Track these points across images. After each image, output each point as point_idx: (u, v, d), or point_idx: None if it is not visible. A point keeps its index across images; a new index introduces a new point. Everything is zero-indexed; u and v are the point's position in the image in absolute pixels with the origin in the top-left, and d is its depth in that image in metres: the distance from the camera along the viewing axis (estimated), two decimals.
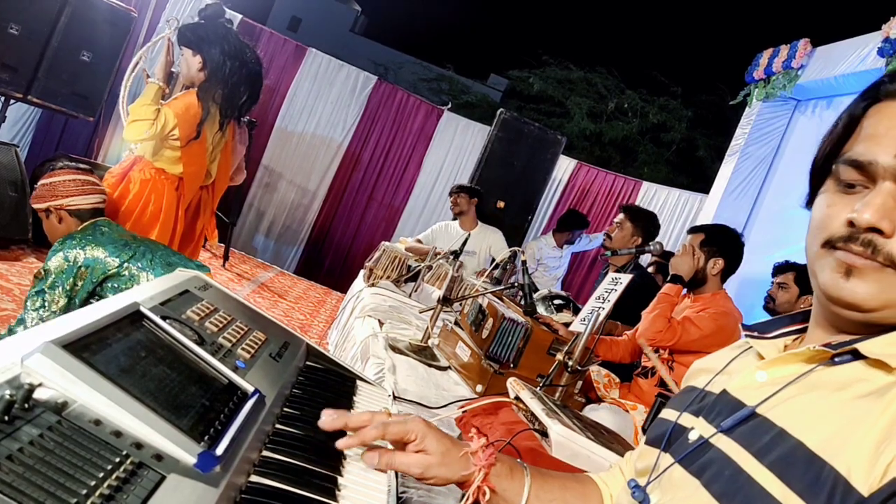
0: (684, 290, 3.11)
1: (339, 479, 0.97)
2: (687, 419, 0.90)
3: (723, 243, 2.99)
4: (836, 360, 0.76)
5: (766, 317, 3.30)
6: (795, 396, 0.77)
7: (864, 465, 0.65)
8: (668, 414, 0.97)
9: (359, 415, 1.00)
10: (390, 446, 1.00)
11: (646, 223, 4.02)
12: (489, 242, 5.62)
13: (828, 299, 0.78)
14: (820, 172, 0.85)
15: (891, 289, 0.73)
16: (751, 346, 0.92)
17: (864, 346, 0.73)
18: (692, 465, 0.82)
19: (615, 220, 4.08)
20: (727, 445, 0.79)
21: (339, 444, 0.97)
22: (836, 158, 0.81)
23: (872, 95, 0.80)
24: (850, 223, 0.75)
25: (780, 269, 3.94)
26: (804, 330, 0.89)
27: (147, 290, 1.13)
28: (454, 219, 5.81)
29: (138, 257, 2.53)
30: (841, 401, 0.72)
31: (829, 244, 0.77)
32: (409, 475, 0.98)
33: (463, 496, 0.98)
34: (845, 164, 0.79)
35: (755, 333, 0.91)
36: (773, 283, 3.97)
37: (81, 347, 0.78)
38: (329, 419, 0.98)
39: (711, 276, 2.98)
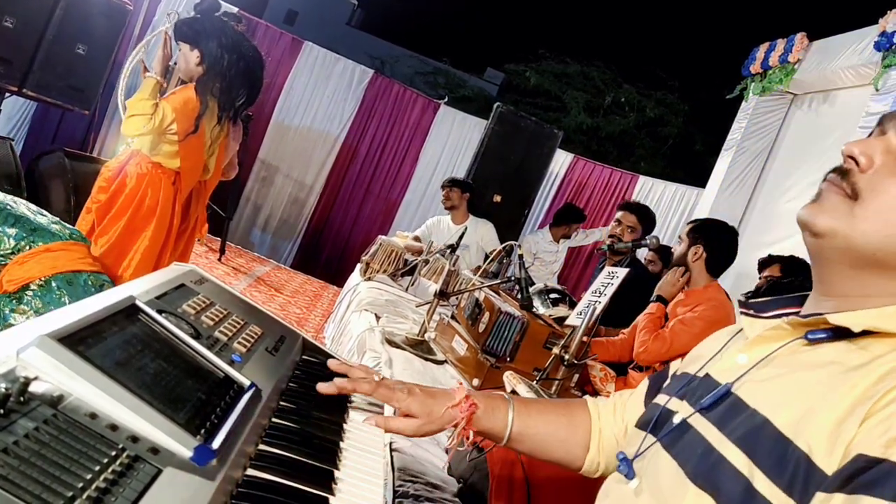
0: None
1: (336, 473, 0.97)
2: (674, 403, 0.93)
3: (708, 234, 3.00)
4: (810, 337, 0.78)
5: None
6: (769, 378, 0.79)
7: (825, 443, 0.67)
8: (660, 399, 0.99)
9: (359, 370, 1.17)
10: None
11: (643, 218, 4.02)
12: (480, 235, 5.62)
13: (797, 222, 0.83)
14: None
15: (842, 217, 0.77)
16: (742, 329, 0.94)
17: (833, 317, 0.76)
18: (673, 448, 0.85)
19: (626, 223, 4.03)
20: (702, 425, 0.82)
21: (335, 383, 1.11)
22: None
23: None
24: (843, 153, 0.81)
25: (764, 263, 3.93)
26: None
27: (143, 284, 1.13)
28: (446, 214, 5.80)
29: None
30: (810, 381, 0.74)
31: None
32: (405, 434, 1.12)
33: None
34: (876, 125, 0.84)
35: (751, 312, 0.93)
36: (760, 278, 3.95)
37: (77, 341, 0.78)
38: (333, 384, 1.11)
39: (692, 263, 2.98)
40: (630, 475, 0.91)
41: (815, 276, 0.85)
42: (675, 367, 1.07)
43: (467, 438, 1.11)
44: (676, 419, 0.88)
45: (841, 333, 0.76)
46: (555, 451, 1.15)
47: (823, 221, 0.78)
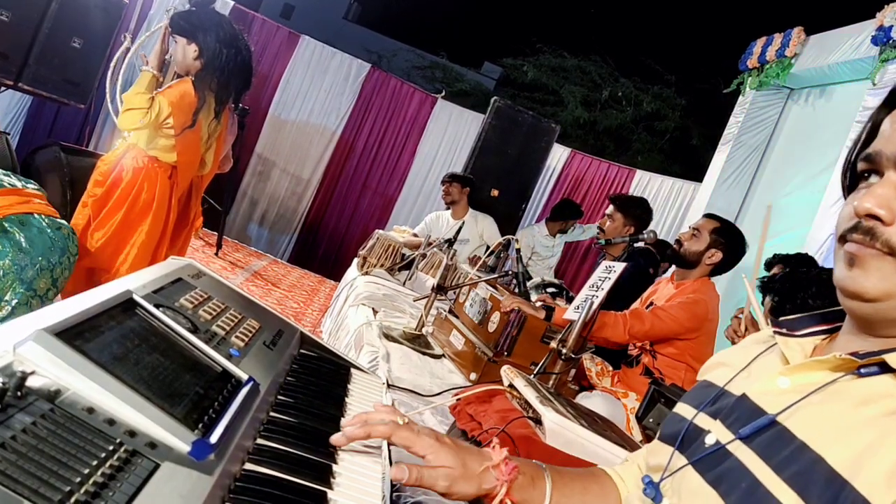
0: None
1: (334, 467, 0.97)
2: (703, 420, 0.88)
3: (731, 241, 2.97)
4: (863, 371, 0.74)
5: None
6: (818, 408, 0.75)
7: (884, 486, 0.64)
8: (682, 410, 0.95)
9: (378, 413, 0.99)
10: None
11: (637, 211, 4.00)
12: (481, 229, 5.62)
13: (840, 292, 0.79)
14: (848, 178, 0.86)
15: (892, 277, 0.73)
16: (776, 344, 0.90)
17: (892, 358, 0.72)
18: (709, 473, 0.81)
19: (606, 212, 4.05)
20: (745, 455, 0.77)
21: (345, 433, 0.97)
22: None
23: (890, 102, 0.81)
24: (856, 214, 0.76)
25: (770, 263, 3.91)
26: (835, 329, 0.87)
27: (140, 278, 1.13)
28: (447, 208, 5.80)
29: None
30: (866, 417, 0.71)
31: (842, 239, 0.78)
32: (434, 490, 0.94)
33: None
34: (860, 160, 0.81)
35: (783, 330, 0.89)
36: (771, 274, 3.92)
37: (74, 335, 0.78)
38: (349, 431, 0.98)
39: (704, 265, 2.97)
40: (658, 498, 0.87)
41: (857, 326, 0.81)
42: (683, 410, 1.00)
43: None
44: (710, 440, 0.84)
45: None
46: None
47: (875, 286, 0.74)
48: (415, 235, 5.43)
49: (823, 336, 0.88)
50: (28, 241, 2.45)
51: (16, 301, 2.41)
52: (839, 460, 0.68)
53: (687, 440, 0.88)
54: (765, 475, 0.73)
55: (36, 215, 2.54)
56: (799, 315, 0.92)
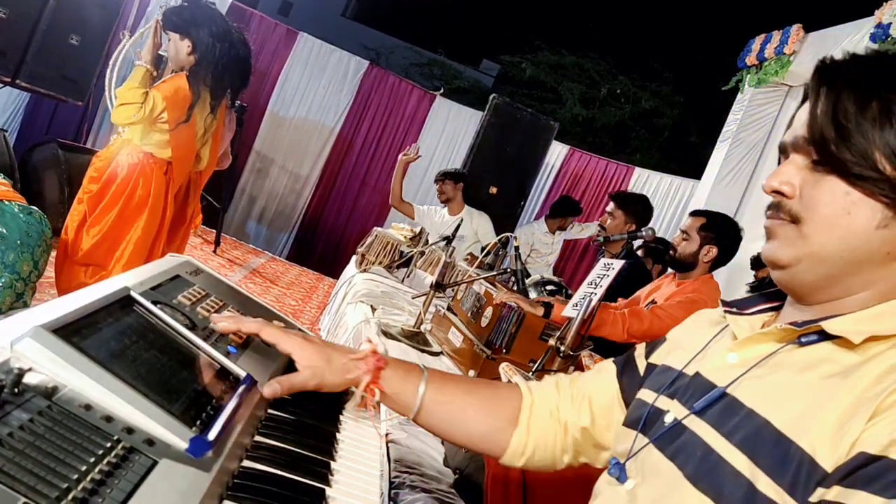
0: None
1: (332, 464, 0.97)
2: (663, 402, 0.93)
3: (721, 232, 2.95)
4: (803, 340, 0.80)
5: None
6: (764, 376, 0.81)
7: (828, 443, 0.68)
8: (645, 395, 0.99)
9: (251, 320, 1.07)
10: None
11: (637, 208, 3.99)
12: (476, 225, 5.60)
13: (768, 266, 0.86)
14: None
15: (797, 242, 0.81)
16: (728, 325, 0.95)
17: (828, 324, 0.77)
18: (668, 448, 0.85)
19: (606, 209, 4.04)
20: (699, 427, 0.82)
21: (218, 326, 1.05)
22: None
23: (803, 101, 0.89)
24: (764, 192, 0.86)
25: (756, 262, 3.88)
26: (781, 308, 0.92)
27: (138, 275, 1.12)
28: (442, 206, 5.79)
29: None
30: (807, 381, 0.76)
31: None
32: (306, 389, 1.01)
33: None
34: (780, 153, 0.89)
35: (734, 310, 0.95)
36: (755, 276, 3.92)
37: (72, 332, 0.78)
38: (222, 324, 1.05)
39: (702, 263, 2.96)
40: (622, 478, 0.91)
41: (792, 298, 0.87)
42: (654, 358, 1.06)
43: (373, 395, 1.02)
44: (668, 419, 0.88)
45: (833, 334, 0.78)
46: (474, 426, 1.06)
47: (784, 252, 0.82)
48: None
49: (771, 314, 0.93)
50: (4, 227, 2.48)
51: (1, 284, 2.44)
52: (785, 423, 0.73)
53: (649, 423, 0.93)
54: (717, 443, 0.78)
55: (6, 202, 2.57)
56: (748, 295, 0.98)
